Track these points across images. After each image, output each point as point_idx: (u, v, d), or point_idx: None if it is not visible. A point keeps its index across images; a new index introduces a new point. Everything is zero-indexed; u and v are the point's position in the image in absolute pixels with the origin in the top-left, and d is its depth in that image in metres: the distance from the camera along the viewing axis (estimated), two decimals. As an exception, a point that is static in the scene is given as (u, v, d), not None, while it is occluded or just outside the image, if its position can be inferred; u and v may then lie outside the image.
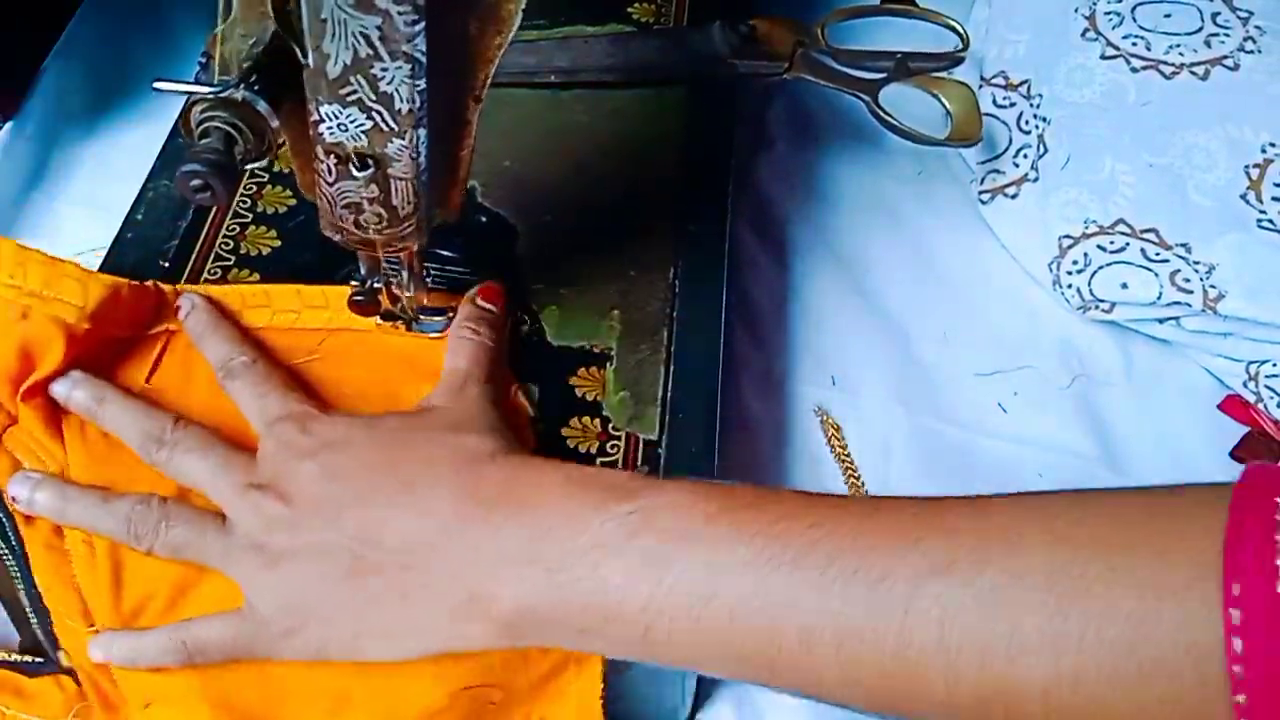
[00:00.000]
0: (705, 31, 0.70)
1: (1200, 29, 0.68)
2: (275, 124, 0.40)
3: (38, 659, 0.49)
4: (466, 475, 0.44)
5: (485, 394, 0.49)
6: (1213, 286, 0.62)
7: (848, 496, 0.40)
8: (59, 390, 0.48)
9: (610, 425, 0.52)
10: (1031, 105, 0.71)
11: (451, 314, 0.54)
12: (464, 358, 0.50)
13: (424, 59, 0.39)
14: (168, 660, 0.45)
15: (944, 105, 0.68)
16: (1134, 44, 0.68)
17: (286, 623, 0.44)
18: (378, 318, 0.52)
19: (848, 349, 0.66)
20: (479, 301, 0.53)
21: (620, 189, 0.63)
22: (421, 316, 0.53)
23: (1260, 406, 0.63)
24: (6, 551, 0.47)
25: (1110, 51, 0.69)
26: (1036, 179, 0.69)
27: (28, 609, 0.47)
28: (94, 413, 0.48)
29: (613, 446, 0.52)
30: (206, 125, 0.39)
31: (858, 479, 0.60)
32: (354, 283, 0.51)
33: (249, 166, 0.40)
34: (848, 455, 0.62)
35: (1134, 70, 0.67)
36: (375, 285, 0.51)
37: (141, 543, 0.45)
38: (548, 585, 0.41)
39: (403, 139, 0.41)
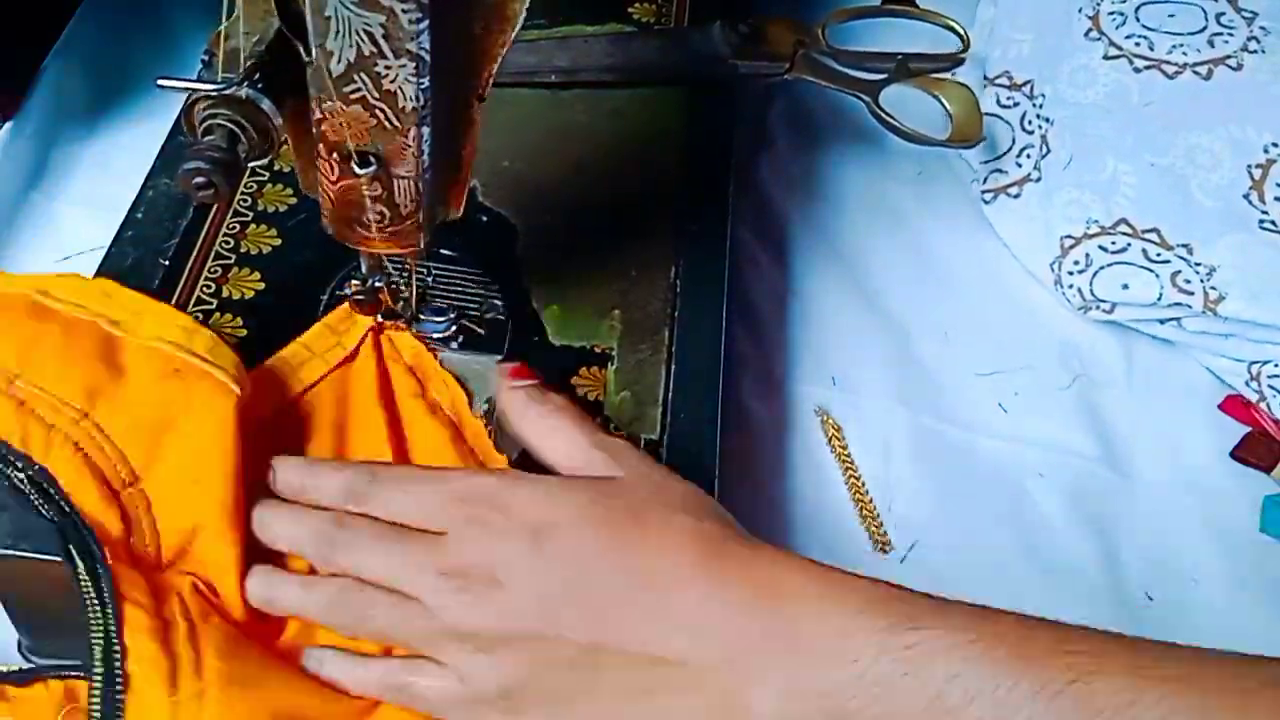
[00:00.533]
0: (706, 31, 0.70)
1: (1204, 28, 0.68)
2: (278, 121, 0.40)
3: (28, 667, 0.49)
4: (713, 567, 0.41)
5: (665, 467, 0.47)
6: (1213, 288, 0.62)
7: (1121, 636, 0.39)
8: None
9: (611, 425, 0.52)
10: (1035, 105, 0.71)
11: (453, 314, 0.53)
12: (592, 432, 0.48)
13: (428, 57, 0.39)
14: (374, 692, 0.44)
15: (945, 106, 0.68)
16: (1137, 44, 0.68)
17: (507, 703, 0.42)
18: (379, 316, 0.52)
19: (848, 349, 0.66)
20: (521, 383, 0.50)
21: (620, 189, 0.63)
22: (421, 316, 0.53)
23: (1262, 406, 0.63)
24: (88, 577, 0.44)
25: (1113, 51, 0.69)
26: (1039, 179, 0.69)
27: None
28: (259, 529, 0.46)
29: (614, 446, 0.52)
30: (210, 123, 0.39)
31: (858, 479, 0.60)
32: (354, 281, 0.51)
33: (250, 164, 0.40)
34: (848, 455, 0.61)
35: (1136, 70, 0.67)
36: (376, 284, 0.51)
37: (345, 629, 0.44)
38: (818, 708, 0.39)
39: (406, 137, 0.41)
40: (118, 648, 0.42)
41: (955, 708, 0.37)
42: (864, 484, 0.60)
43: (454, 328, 0.53)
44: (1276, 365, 0.63)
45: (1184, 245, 0.63)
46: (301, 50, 0.39)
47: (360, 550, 0.44)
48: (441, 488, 0.45)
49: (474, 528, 0.43)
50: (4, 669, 0.47)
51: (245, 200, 0.59)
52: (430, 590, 0.42)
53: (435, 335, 0.53)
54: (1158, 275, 0.64)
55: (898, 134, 0.67)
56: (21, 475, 0.44)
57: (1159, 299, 0.64)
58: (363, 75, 0.39)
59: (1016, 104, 0.73)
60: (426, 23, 0.38)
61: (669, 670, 0.40)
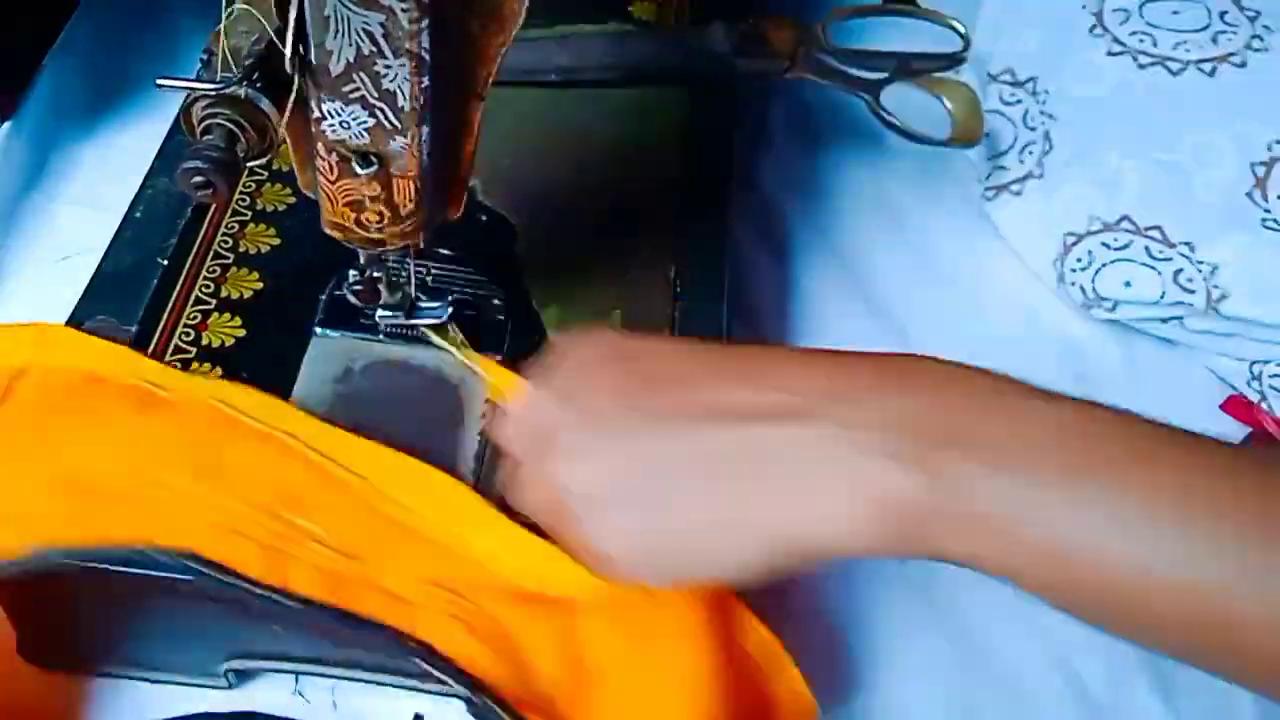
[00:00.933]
0: (706, 30, 0.69)
1: (1207, 26, 0.67)
2: (277, 121, 0.40)
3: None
4: (819, 357, 0.42)
5: None
6: (1216, 287, 0.62)
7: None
8: None
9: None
10: (1038, 102, 0.71)
11: (453, 296, 0.53)
12: None
13: (427, 57, 0.39)
14: None
15: (946, 106, 0.68)
16: (1141, 40, 0.68)
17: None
18: (379, 309, 0.52)
19: (848, 349, 0.66)
20: None
21: (620, 189, 0.63)
22: (420, 305, 0.53)
23: (1263, 406, 0.63)
24: None
25: (1117, 48, 0.68)
26: (1042, 175, 0.69)
27: None
28: None
29: (615, 446, 0.51)
30: (208, 122, 0.39)
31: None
32: (353, 273, 0.51)
33: (248, 164, 0.40)
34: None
35: (1141, 67, 0.67)
36: (375, 275, 0.51)
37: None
38: (963, 460, 0.35)
39: (405, 137, 0.41)
40: None
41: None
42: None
43: (451, 309, 0.53)
44: (1278, 365, 0.63)
45: (1186, 243, 0.63)
46: (301, 49, 0.39)
47: None
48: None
49: None
50: None
51: (244, 200, 0.58)
52: None
53: (434, 321, 0.53)
54: (1160, 273, 0.64)
55: (898, 133, 0.66)
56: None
57: (1161, 297, 0.63)
58: (362, 75, 0.39)
59: (1019, 100, 0.73)
60: (426, 22, 0.38)
61: (788, 436, 0.37)
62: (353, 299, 0.52)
